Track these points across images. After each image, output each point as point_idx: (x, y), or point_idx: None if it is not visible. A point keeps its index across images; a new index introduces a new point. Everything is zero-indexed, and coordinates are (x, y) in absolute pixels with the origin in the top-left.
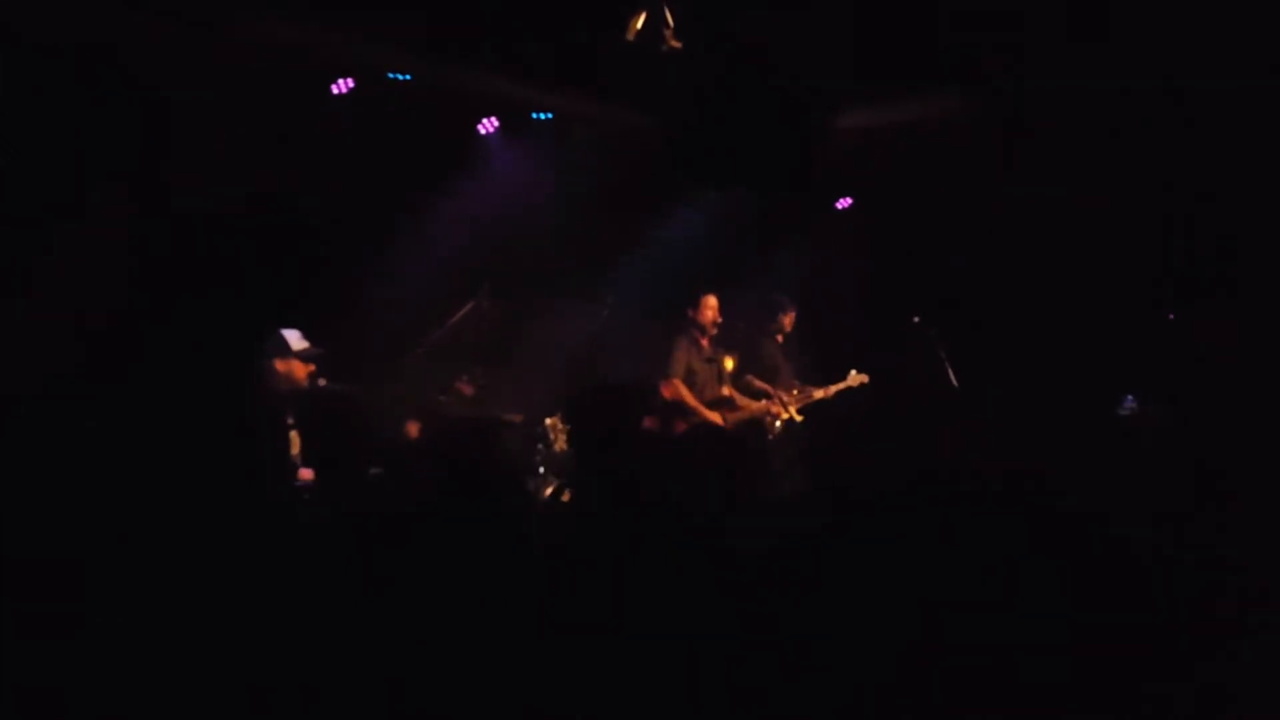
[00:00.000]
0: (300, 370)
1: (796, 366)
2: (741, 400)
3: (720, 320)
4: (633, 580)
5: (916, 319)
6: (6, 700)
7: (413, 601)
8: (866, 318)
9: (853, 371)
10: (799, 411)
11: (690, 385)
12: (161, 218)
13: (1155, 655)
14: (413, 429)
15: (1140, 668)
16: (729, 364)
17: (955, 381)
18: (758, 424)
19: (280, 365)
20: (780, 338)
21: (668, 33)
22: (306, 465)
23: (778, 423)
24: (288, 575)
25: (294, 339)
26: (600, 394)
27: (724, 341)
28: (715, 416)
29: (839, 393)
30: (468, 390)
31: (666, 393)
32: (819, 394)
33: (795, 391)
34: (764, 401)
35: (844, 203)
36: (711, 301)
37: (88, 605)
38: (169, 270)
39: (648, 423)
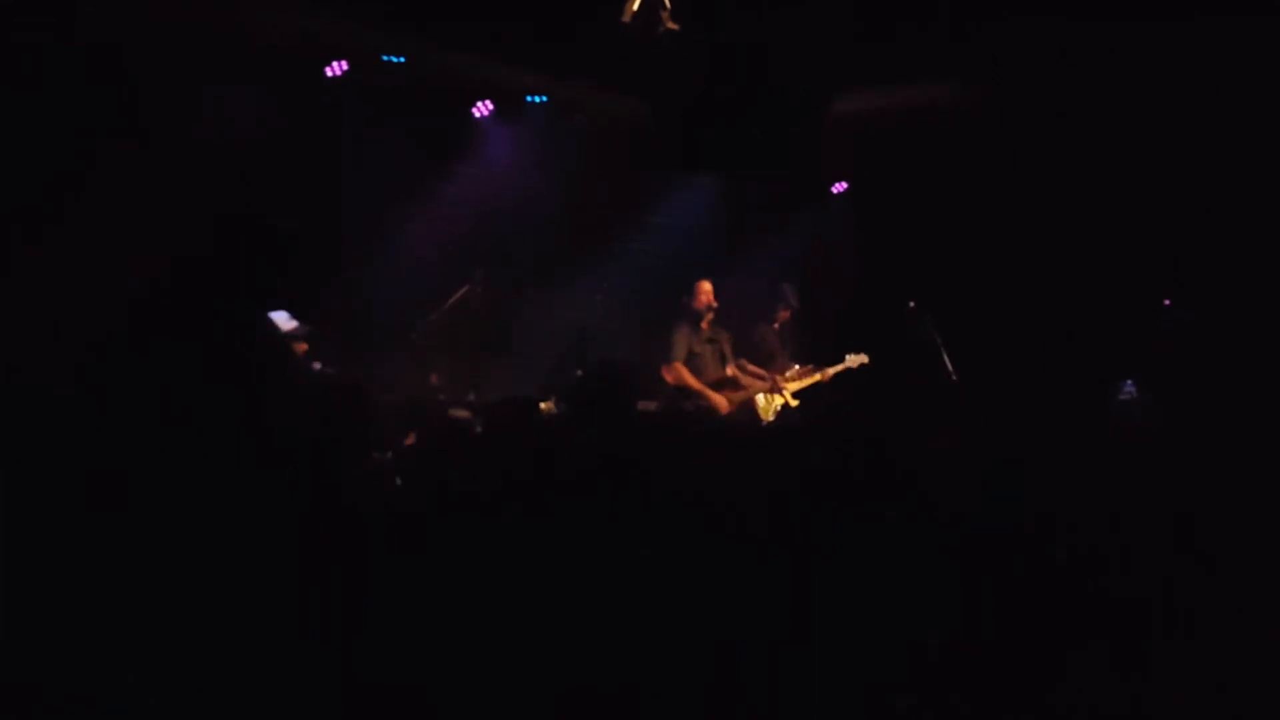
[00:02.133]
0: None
1: (793, 351)
2: (745, 379)
3: (716, 304)
4: (627, 566)
5: (912, 304)
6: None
7: (410, 588)
8: (862, 303)
9: (848, 355)
10: (795, 395)
11: (692, 368)
12: (152, 202)
13: (1146, 650)
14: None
15: (1133, 663)
16: (729, 345)
17: (950, 367)
18: (751, 410)
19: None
20: (777, 325)
21: (664, 15)
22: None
23: (772, 409)
24: (295, 563)
25: (282, 320)
26: (606, 374)
27: (721, 325)
28: (720, 399)
29: (837, 375)
30: (435, 381)
31: (669, 377)
32: (817, 377)
33: (791, 375)
34: (771, 380)
35: (839, 187)
36: (706, 287)
37: (97, 596)
38: (159, 255)
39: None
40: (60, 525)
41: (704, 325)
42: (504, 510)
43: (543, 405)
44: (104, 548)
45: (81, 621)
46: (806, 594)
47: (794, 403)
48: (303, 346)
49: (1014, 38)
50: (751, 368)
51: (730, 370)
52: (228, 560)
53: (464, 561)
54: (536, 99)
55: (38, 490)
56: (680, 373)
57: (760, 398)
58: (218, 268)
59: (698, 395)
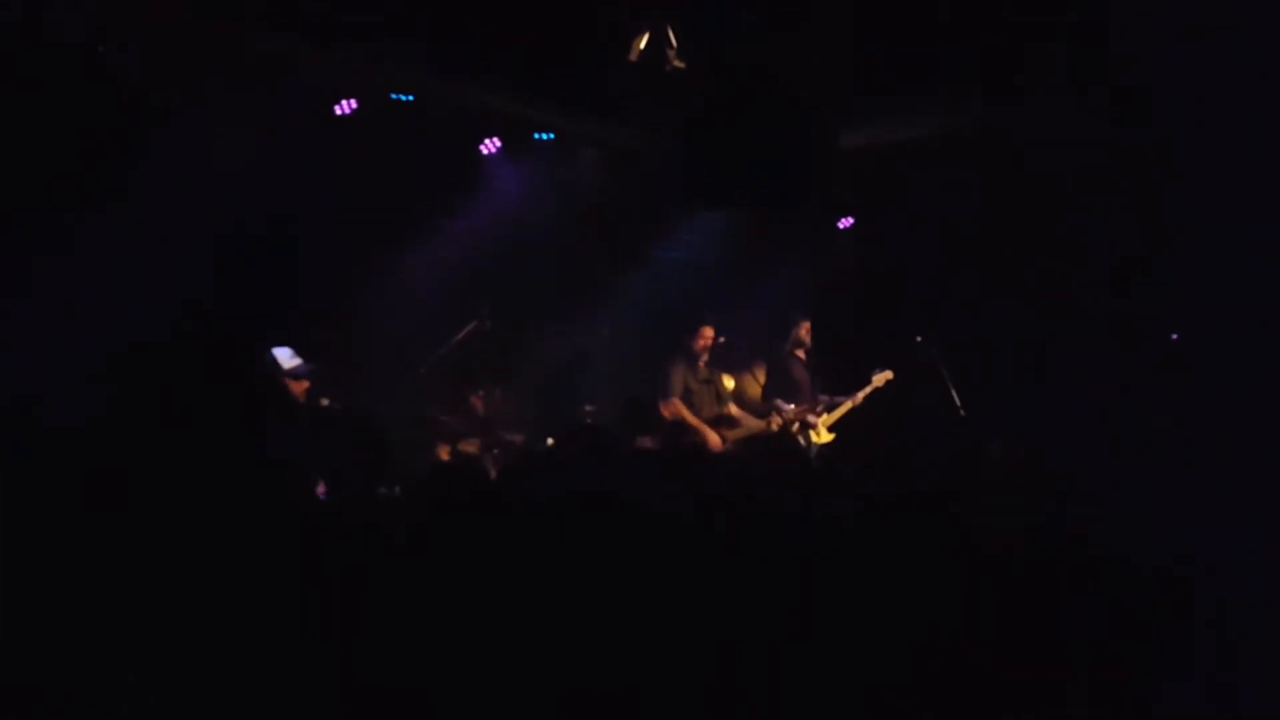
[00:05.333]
0: (295, 388)
1: (819, 381)
2: (742, 417)
3: (711, 346)
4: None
5: (919, 338)
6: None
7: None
8: (869, 337)
9: (874, 374)
10: (830, 428)
11: (688, 405)
12: (164, 237)
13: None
14: (443, 453)
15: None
16: (729, 383)
17: (958, 401)
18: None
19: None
20: (801, 352)
21: (670, 53)
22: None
23: (812, 446)
24: (294, 593)
25: (285, 357)
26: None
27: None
28: (714, 436)
29: (868, 397)
30: (480, 406)
31: (666, 413)
32: (849, 404)
33: (822, 408)
34: (769, 418)
35: (846, 222)
36: (708, 332)
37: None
38: (169, 291)
39: (648, 442)
40: (60, 543)
41: (701, 364)
42: (506, 543)
43: (550, 442)
44: (106, 559)
45: (83, 625)
46: (796, 621)
47: (830, 437)
48: (304, 385)
49: (1019, 66)
50: (785, 408)
51: (731, 409)
52: (225, 575)
53: (461, 592)
54: (544, 136)
55: (36, 517)
56: (678, 408)
57: (813, 435)
58: (221, 301)
59: (694, 431)
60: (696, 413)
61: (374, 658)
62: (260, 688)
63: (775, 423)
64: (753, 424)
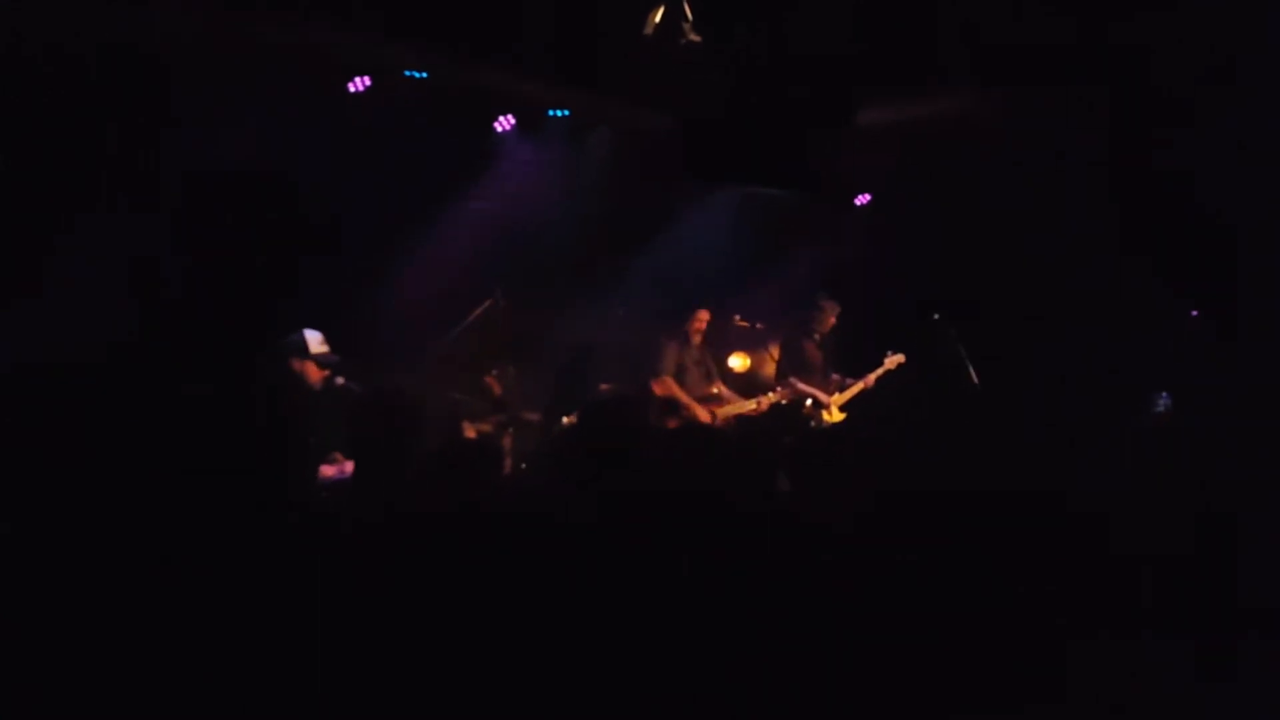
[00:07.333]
0: (314, 373)
1: (833, 362)
2: (729, 396)
3: (705, 330)
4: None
5: (937, 316)
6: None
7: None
8: (886, 315)
9: (886, 356)
10: (841, 408)
11: (680, 383)
12: (177, 216)
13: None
14: (470, 431)
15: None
16: (745, 361)
17: (976, 380)
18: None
19: (295, 364)
20: (818, 338)
21: (686, 26)
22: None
23: (823, 424)
24: (307, 574)
25: (314, 341)
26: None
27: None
28: (704, 412)
29: (879, 379)
30: (496, 388)
31: (658, 390)
32: (860, 385)
33: (835, 389)
34: (756, 398)
35: (863, 199)
36: (703, 316)
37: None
38: (183, 270)
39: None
40: (61, 535)
41: (693, 345)
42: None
43: (566, 420)
44: (106, 551)
45: (80, 622)
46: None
47: (840, 416)
48: (324, 372)
49: (1032, 43)
50: (800, 386)
51: (715, 388)
52: (230, 566)
53: (475, 579)
54: (559, 113)
55: (36, 510)
56: (669, 386)
57: (824, 414)
58: (235, 280)
59: (685, 408)
60: (686, 391)
61: (377, 653)
62: (263, 686)
63: (764, 403)
64: (740, 404)
